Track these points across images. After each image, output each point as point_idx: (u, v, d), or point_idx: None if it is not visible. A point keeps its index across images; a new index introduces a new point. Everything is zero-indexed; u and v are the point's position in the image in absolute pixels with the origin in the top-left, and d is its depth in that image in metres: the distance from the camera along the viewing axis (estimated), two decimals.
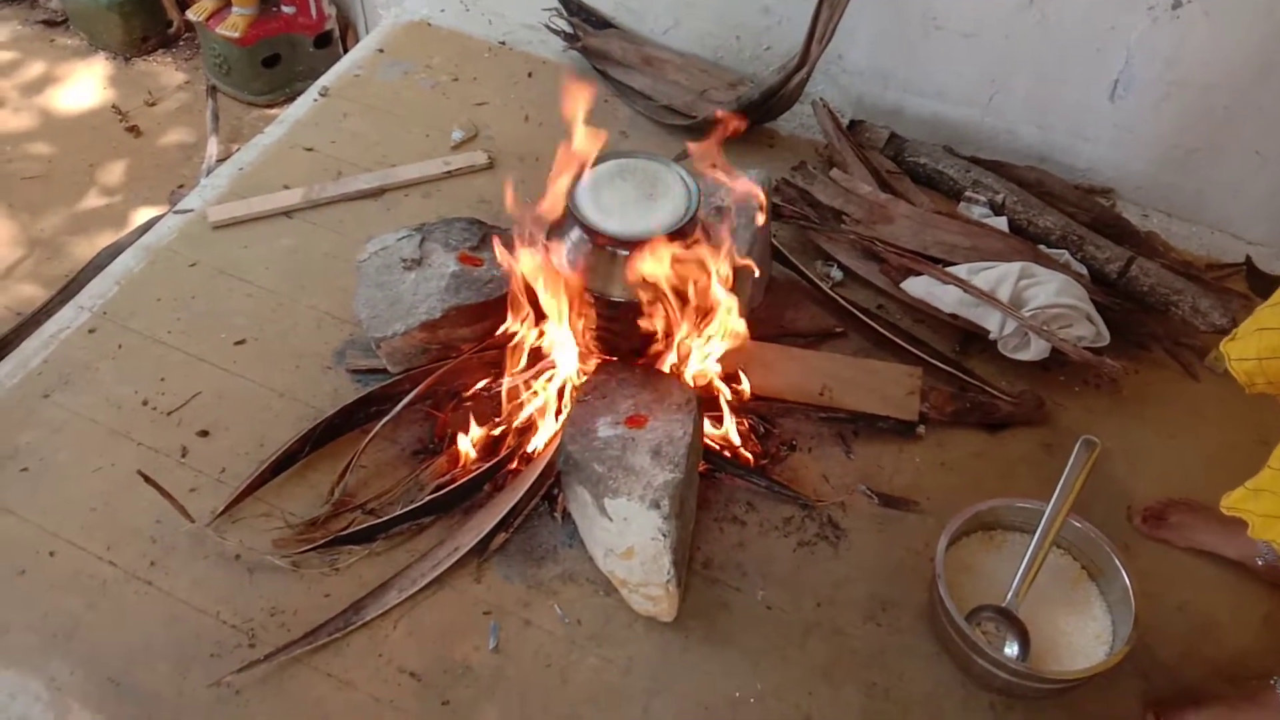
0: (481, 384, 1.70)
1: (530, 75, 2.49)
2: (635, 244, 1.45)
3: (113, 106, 2.93)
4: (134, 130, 2.86)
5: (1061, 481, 1.48)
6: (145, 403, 1.75)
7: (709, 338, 1.58)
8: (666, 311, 1.49)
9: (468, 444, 1.63)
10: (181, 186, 2.63)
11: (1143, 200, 2.25)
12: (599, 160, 1.54)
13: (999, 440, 1.77)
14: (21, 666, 1.43)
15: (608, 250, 1.48)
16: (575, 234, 1.51)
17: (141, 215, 2.56)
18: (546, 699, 1.43)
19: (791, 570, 1.59)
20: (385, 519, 1.58)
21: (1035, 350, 1.79)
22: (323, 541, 1.56)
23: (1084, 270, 1.99)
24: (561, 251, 1.53)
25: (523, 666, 1.47)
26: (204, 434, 1.71)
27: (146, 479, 1.54)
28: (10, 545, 1.56)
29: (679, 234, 1.47)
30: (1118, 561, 1.46)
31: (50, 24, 3.21)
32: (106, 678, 1.42)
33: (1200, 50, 1.96)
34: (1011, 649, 1.44)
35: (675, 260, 1.44)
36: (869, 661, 1.49)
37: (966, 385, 1.82)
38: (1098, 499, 1.64)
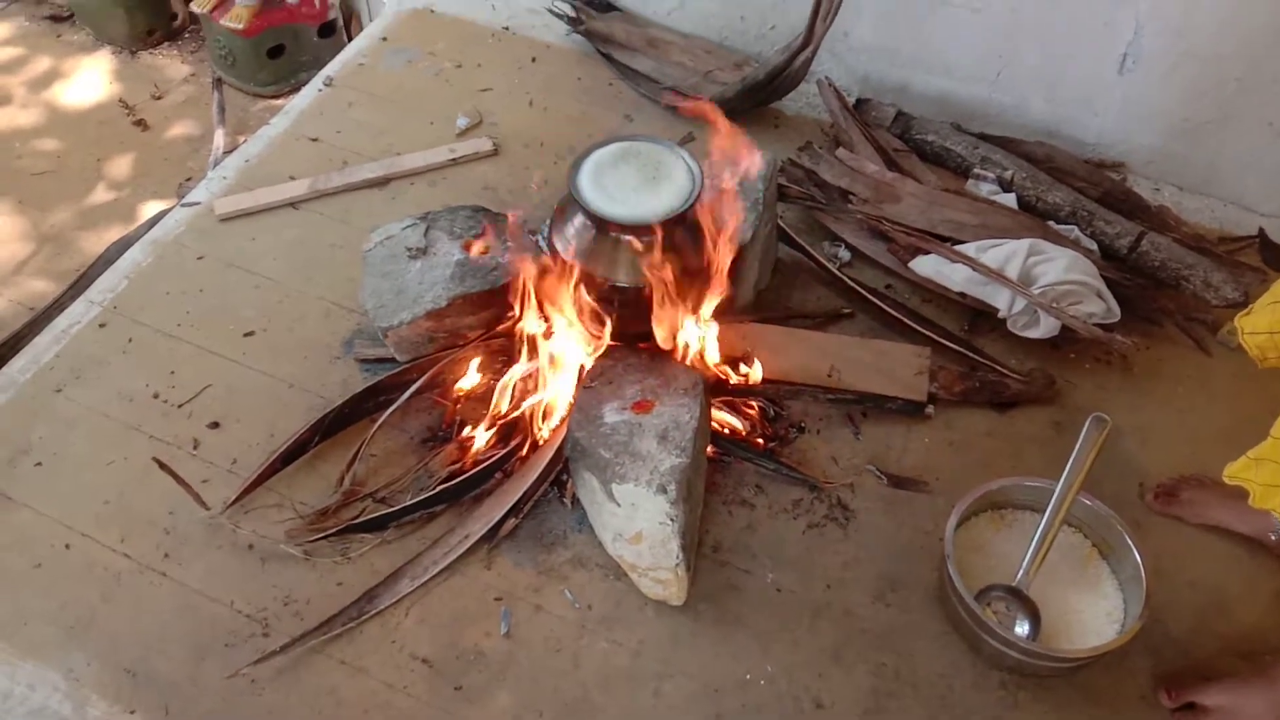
0: (478, 378, 1.69)
1: (534, 60, 2.48)
2: (638, 228, 1.45)
3: (119, 100, 2.94)
4: (141, 124, 2.87)
5: (1071, 459, 1.47)
6: (156, 396, 1.76)
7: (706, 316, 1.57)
8: (670, 295, 1.49)
9: (479, 434, 1.63)
10: (189, 179, 2.65)
11: (1154, 174, 2.23)
12: (601, 144, 1.54)
13: (1009, 419, 1.77)
14: (40, 658, 1.45)
15: (611, 235, 1.48)
16: (578, 219, 1.51)
17: (150, 209, 2.58)
18: (558, 683, 1.44)
19: (801, 552, 1.59)
20: (396, 508, 1.59)
21: (1045, 328, 1.78)
22: (334, 530, 1.57)
23: (1094, 246, 1.97)
24: (565, 237, 1.53)
25: (534, 651, 1.47)
26: (215, 425, 1.72)
27: (161, 465, 1.55)
28: (26, 539, 1.57)
29: (682, 217, 1.47)
30: (1129, 539, 1.46)
31: (56, 19, 3.22)
32: (123, 668, 1.44)
33: (1211, 20, 1.93)
34: (1022, 628, 1.43)
35: (678, 243, 1.44)
36: (879, 642, 1.49)
37: (976, 364, 1.81)
38: (1109, 476, 1.63)
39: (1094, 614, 1.47)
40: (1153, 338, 1.89)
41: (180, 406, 1.74)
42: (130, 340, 1.84)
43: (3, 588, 1.52)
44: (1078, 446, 1.48)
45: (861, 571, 1.57)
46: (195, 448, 1.69)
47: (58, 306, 2.01)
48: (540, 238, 1.67)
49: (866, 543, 1.60)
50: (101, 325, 1.87)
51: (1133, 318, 1.86)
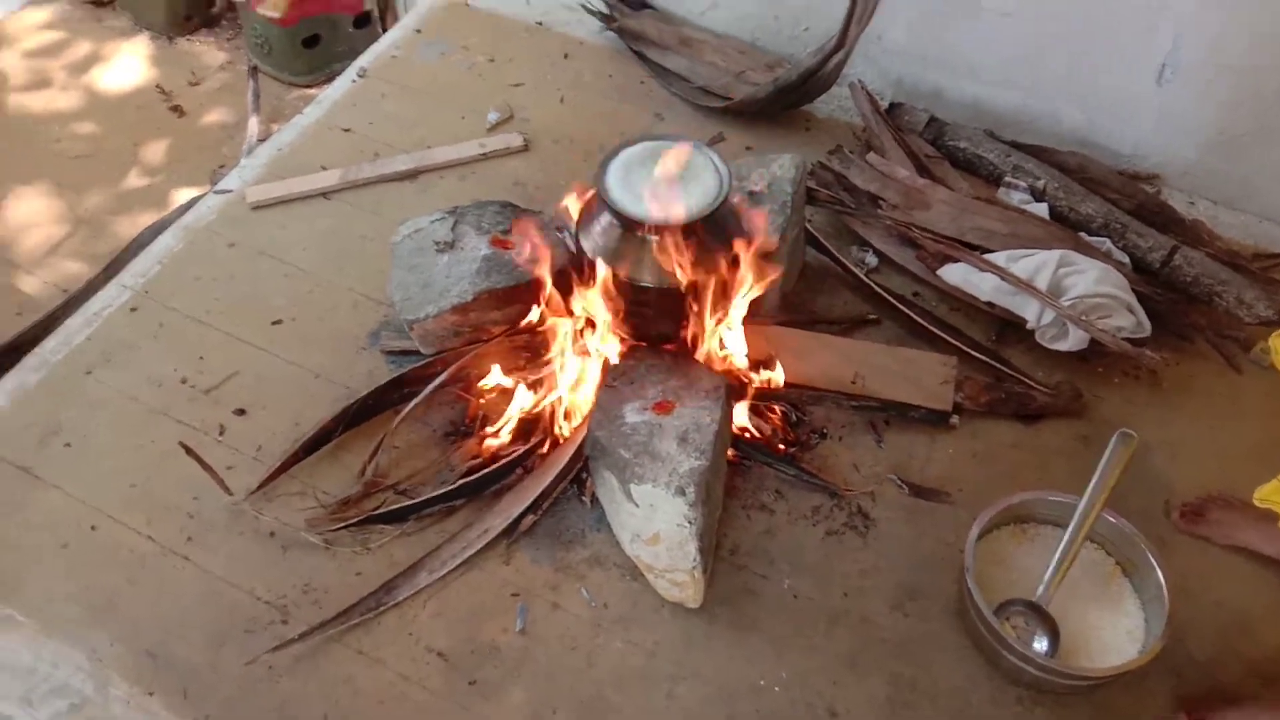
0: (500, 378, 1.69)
1: (566, 56, 2.48)
2: (665, 228, 1.45)
3: (157, 86, 2.97)
4: (177, 110, 2.90)
5: (1096, 475, 1.46)
6: (184, 381, 1.78)
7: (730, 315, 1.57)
8: (697, 297, 1.49)
9: (502, 430, 1.64)
10: (223, 166, 2.67)
11: (1189, 187, 2.20)
12: (630, 143, 1.54)
13: (1034, 432, 1.75)
14: (65, 637, 1.47)
15: (637, 235, 1.47)
16: (605, 218, 1.50)
17: (183, 195, 2.60)
18: (572, 681, 1.45)
19: (819, 559, 1.58)
20: (417, 500, 1.60)
21: (1073, 340, 1.76)
22: (355, 520, 1.58)
23: (1125, 259, 1.95)
24: (591, 236, 1.53)
25: (549, 648, 1.48)
26: (241, 413, 1.74)
27: (188, 450, 1.57)
28: (54, 519, 1.60)
29: (710, 218, 1.46)
30: (1152, 558, 1.44)
31: (97, 4, 3.25)
32: (145, 650, 1.46)
33: (1251, 32, 1.90)
34: (1041, 644, 1.42)
35: (705, 244, 1.43)
36: (895, 652, 1.49)
37: (1002, 375, 1.80)
38: (1135, 493, 1.61)
39: (1115, 632, 1.45)
40: (1183, 354, 1.87)
41: (208, 392, 1.76)
42: (160, 325, 1.86)
43: (31, 566, 1.54)
44: (1103, 461, 1.47)
45: (880, 580, 1.56)
46: (221, 434, 1.71)
47: (90, 289, 2.03)
48: (567, 235, 1.67)
49: (886, 552, 1.59)
50: (133, 309, 1.89)
51: (1163, 333, 1.84)
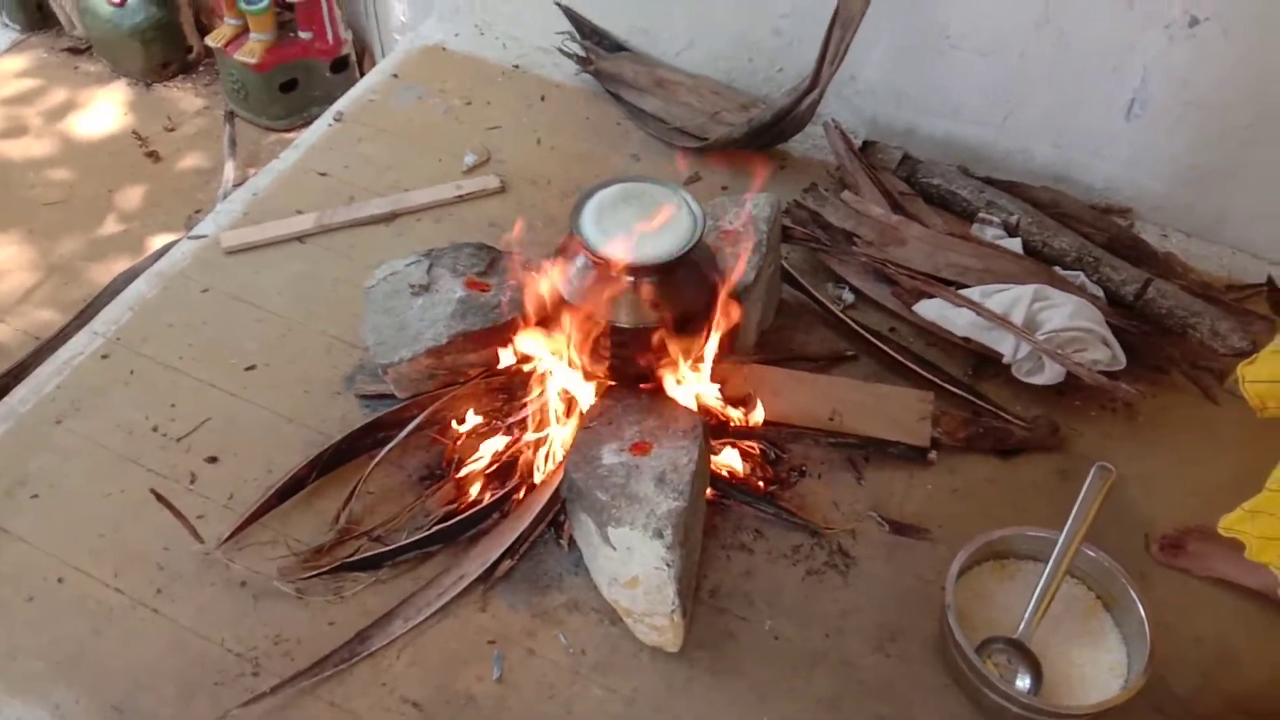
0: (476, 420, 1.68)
1: (543, 99, 2.49)
2: (640, 269, 1.45)
3: (133, 132, 2.97)
4: (153, 155, 2.89)
5: (1075, 509, 1.45)
6: (155, 429, 1.75)
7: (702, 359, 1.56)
8: (673, 337, 1.49)
9: (474, 476, 1.63)
10: (198, 211, 2.66)
11: (1161, 220, 2.22)
12: (605, 184, 1.54)
13: (1012, 466, 1.75)
14: (28, 695, 1.43)
15: (612, 275, 1.47)
16: (580, 260, 1.50)
17: (158, 240, 2.59)
18: None
19: (800, 599, 1.56)
20: (391, 547, 1.57)
21: (1049, 374, 1.77)
22: (328, 568, 1.55)
23: (1100, 292, 1.96)
24: (567, 277, 1.52)
25: (525, 697, 1.45)
26: (213, 460, 1.71)
27: (159, 497, 1.54)
28: (20, 572, 1.56)
29: (683, 259, 1.46)
30: (1133, 592, 1.43)
31: (74, 51, 3.25)
32: (111, 705, 1.42)
33: (1218, 69, 1.94)
34: (1023, 682, 1.41)
35: (679, 286, 1.43)
36: (878, 693, 1.47)
37: (979, 410, 1.80)
38: (1113, 527, 1.60)
39: (1097, 668, 1.44)
40: (1159, 386, 1.87)
41: (179, 440, 1.74)
42: (132, 372, 1.84)
43: None
44: (1081, 495, 1.46)
45: (861, 620, 1.54)
46: (192, 482, 1.68)
47: (62, 337, 2.02)
48: (543, 277, 1.66)
49: (867, 590, 1.58)
50: (104, 356, 1.87)
51: (1139, 365, 1.85)
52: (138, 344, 1.89)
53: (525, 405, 1.66)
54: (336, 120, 2.42)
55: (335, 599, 1.54)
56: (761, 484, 1.68)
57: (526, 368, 1.68)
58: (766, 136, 2.26)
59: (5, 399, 1.80)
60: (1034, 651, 1.42)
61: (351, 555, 1.57)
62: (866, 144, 2.31)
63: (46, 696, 1.43)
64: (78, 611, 1.52)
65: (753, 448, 1.71)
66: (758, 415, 1.69)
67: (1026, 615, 1.43)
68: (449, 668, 1.48)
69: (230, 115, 2.97)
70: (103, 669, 1.46)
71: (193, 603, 1.53)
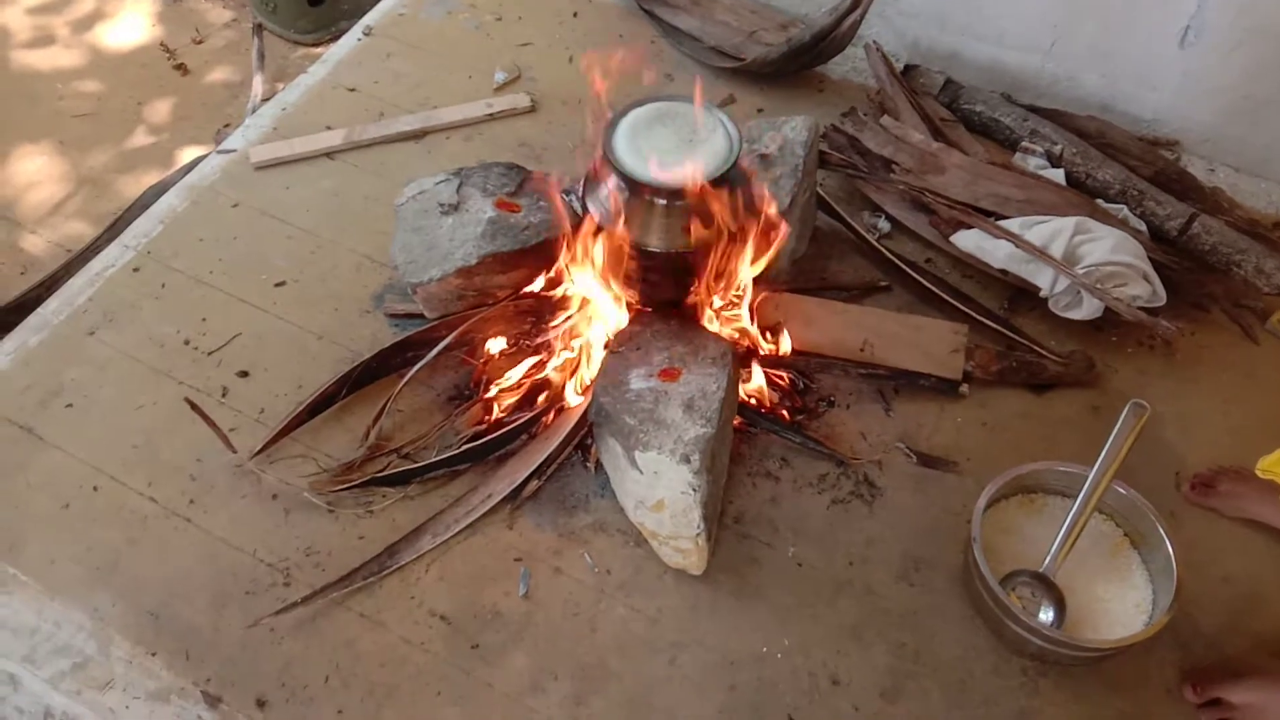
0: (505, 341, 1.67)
1: (575, 15, 2.43)
2: (673, 192, 1.42)
3: (161, 44, 2.94)
4: (181, 68, 2.87)
5: (1107, 446, 1.43)
6: (187, 342, 1.77)
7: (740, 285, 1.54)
8: (705, 261, 1.47)
9: (502, 396, 1.63)
10: (227, 125, 2.64)
11: (1210, 154, 2.15)
12: (638, 104, 1.51)
13: (1045, 401, 1.73)
14: (67, 597, 1.47)
15: (645, 198, 1.45)
16: (612, 181, 1.48)
17: (187, 154, 2.58)
18: (574, 647, 1.44)
19: (824, 528, 1.57)
20: (420, 464, 1.59)
21: (1087, 309, 1.73)
22: (358, 483, 1.57)
23: (1143, 227, 1.91)
24: (598, 199, 1.50)
25: (551, 614, 1.47)
26: (244, 374, 1.73)
27: (193, 406, 1.55)
28: (56, 479, 1.59)
29: (720, 181, 1.43)
30: (1161, 530, 1.42)
31: None
32: (147, 611, 1.46)
33: None
34: (1047, 615, 1.41)
35: (716, 207, 1.40)
36: (899, 622, 1.47)
37: (1014, 344, 1.77)
38: (1146, 465, 1.59)
39: (1122, 604, 1.44)
40: (1199, 324, 1.84)
41: (210, 354, 1.75)
42: (163, 286, 1.85)
43: (32, 527, 1.54)
44: (1114, 432, 1.44)
45: (885, 550, 1.55)
46: (224, 395, 1.70)
47: (93, 249, 2.02)
48: (574, 198, 1.64)
49: (892, 521, 1.58)
50: (135, 270, 1.87)
51: (1179, 302, 1.81)
52: (168, 258, 1.89)
53: (555, 328, 1.65)
54: (366, 34, 2.38)
55: (365, 514, 1.56)
56: (789, 413, 1.68)
57: (556, 291, 1.67)
58: (805, 58, 2.20)
59: (39, 310, 1.82)
60: (1059, 586, 1.42)
61: (381, 471, 1.59)
62: (908, 68, 2.24)
63: (86, 600, 1.47)
64: (113, 520, 1.55)
65: (781, 377, 1.70)
66: (786, 344, 1.67)
67: (1053, 550, 1.42)
68: (476, 583, 1.50)
69: (258, 28, 2.90)
70: (138, 576, 1.49)
71: (225, 514, 1.56)
